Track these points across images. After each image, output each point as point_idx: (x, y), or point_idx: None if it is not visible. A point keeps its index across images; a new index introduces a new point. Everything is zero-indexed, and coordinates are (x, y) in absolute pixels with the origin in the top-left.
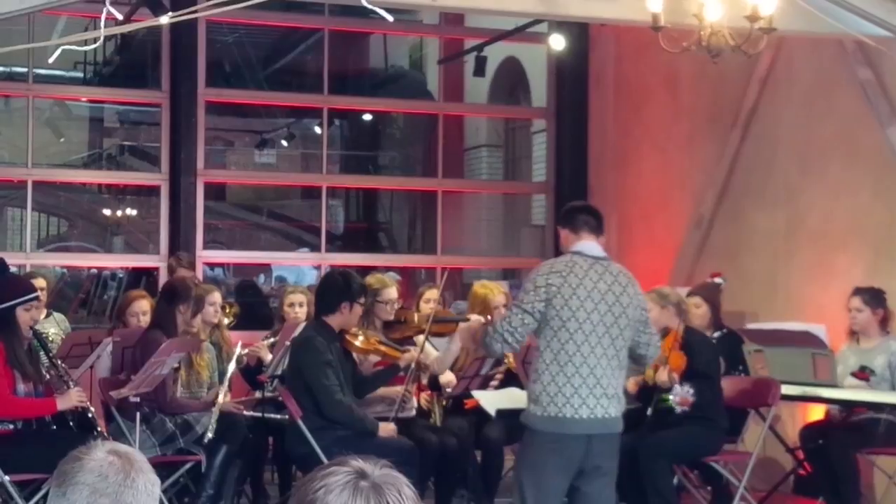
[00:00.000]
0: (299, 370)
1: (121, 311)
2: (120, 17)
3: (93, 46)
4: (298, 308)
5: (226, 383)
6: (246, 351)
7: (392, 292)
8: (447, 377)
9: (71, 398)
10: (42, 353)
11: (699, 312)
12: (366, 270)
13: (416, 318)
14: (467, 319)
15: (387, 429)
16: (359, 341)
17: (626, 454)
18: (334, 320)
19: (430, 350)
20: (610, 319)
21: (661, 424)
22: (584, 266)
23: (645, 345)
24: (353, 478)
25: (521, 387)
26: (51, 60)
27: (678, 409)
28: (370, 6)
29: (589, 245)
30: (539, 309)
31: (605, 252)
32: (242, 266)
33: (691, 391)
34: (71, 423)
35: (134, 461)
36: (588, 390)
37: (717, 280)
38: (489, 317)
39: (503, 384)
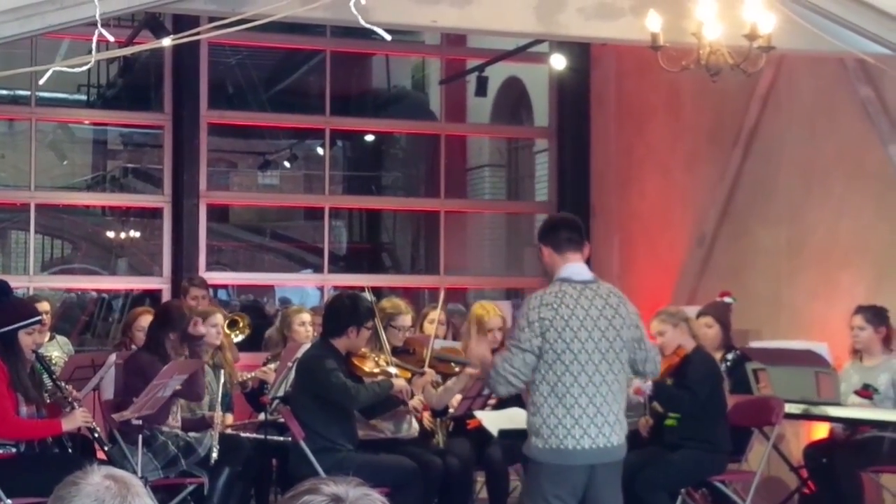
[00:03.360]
0: (307, 385)
1: (127, 327)
2: (112, 39)
3: (85, 68)
4: (309, 327)
5: (218, 406)
6: (251, 375)
7: (406, 320)
8: (454, 398)
9: (76, 418)
10: (45, 375)
11: (711, 333)
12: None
13: (423, 352)
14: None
15: (399, 384)
16: (366, 365)
17: (624, 483)
18: (341, 343)
19: (430, 389)
20: (605, 345)
21: (660, 444)
22: (573, 294)
23: (642, 361)
24: None
25: (521, 406)
26: (41, 82)
27: (632, 397)
28: (369, 26)
29: (575, 268)
30: (537, 345)
31: (591, 270)
32: (246, 288)
33: (649, 385)
34: (70, 448)
35: (130, 485)
36: (588, 420)
37: (727, 299)
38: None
39: (500, 403)
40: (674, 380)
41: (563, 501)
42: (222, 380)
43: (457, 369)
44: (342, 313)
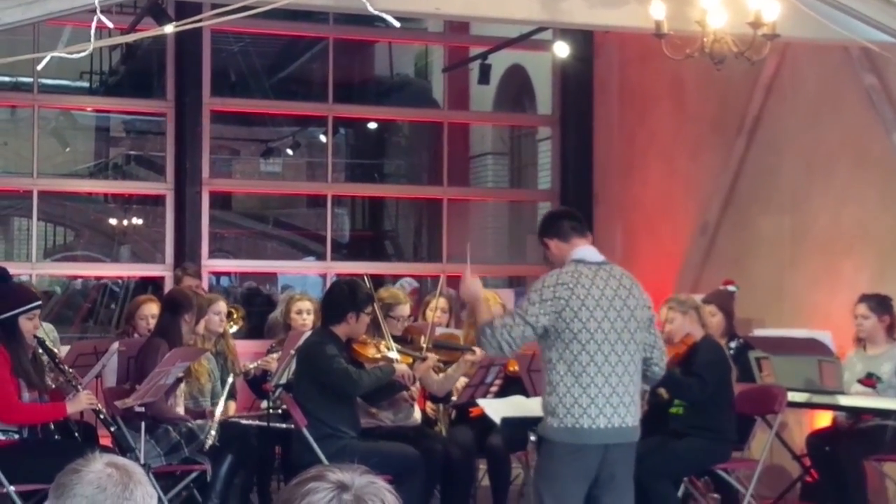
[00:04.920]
0: (308, 371)
1: (130, 316)
2: (111, 26)
3: (84, 54)
4: (306, 315)
5: (225, 393)
6: (254, 365)
7: (405, 309)
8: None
9: (81, 401)
10: (48, 359)
11: (714, 321)
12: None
13: (422, 339)
14: (473, 351)
15: (401, 368)
16: (368, 351)
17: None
18: (341, 330)
19: (432, 374)
20: (620, 325)
21: (663, 432)
22: (588, 275)
23: (650, 347)
24: (336, 493)
25: (524, 393)
26: (39, 68)
27: None
28: (376, 12)
29: (586, 251)
30: (543, 323)
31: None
32: (248, 275)
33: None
34: (76, 434)
35: (132, 473)
36: (604, 399)
37: (731, 288)
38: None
39: (502, 391)
40: (681, 368)
41: (575, 481)
42: (230, 379)
43: (456, 355)
44: (340, 300)
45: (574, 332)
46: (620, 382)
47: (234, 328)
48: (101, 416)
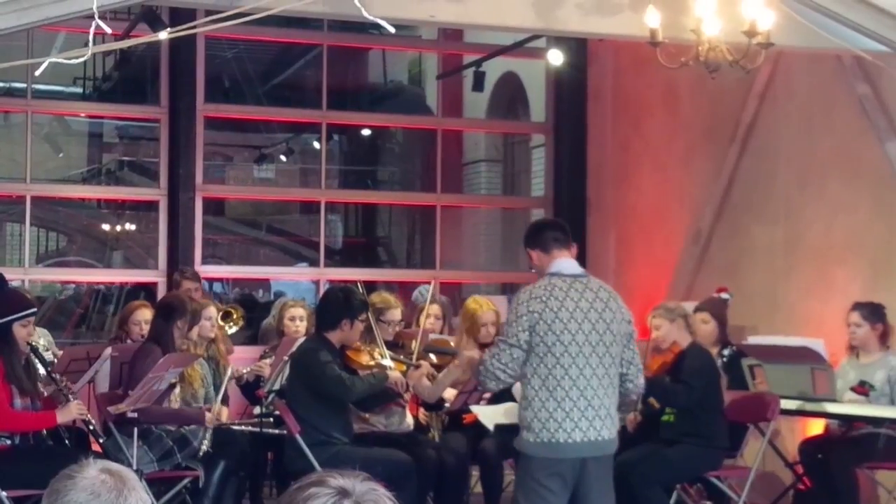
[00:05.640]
0: (302, 378)
1: (123, 321)
2: (109, 31)
3: (82, 59)
4: (299, 322)
5: (218, 399)
6: (247, 370)
7: (396, 314)
8: (448, 392)
9: (71, 411)
10: (40, 367)
11: (707, 328)
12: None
13: (413, 345)
14: (463, 355)
15: (395, 376)
16: (361, 358)
17: (620, 478)
18: (334, 336)
19: (424, 381)
20: (595, 338)
21: (655, 440)
22: (563, 288)
23: (627, 362)
24: (337, 499)
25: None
26: (37, 74)
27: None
28: (371, 18)
29: (565, 263)
30: (525, 339)
31: (581, 267)
32: (241, 281)
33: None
34: (66, 440)
35: (126, 479)
36: (579, 413)
37: (724, 295)
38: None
39: (495, 398)
40: (670, 377)
41: (554, 495)
42: (229, 373)
43: (448, 360)
44: (335, 306)
45: (548, 346)
46: (595, 395)
47: (235, 328)
48: (91, 428)
